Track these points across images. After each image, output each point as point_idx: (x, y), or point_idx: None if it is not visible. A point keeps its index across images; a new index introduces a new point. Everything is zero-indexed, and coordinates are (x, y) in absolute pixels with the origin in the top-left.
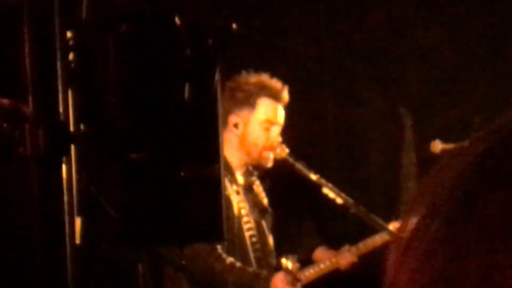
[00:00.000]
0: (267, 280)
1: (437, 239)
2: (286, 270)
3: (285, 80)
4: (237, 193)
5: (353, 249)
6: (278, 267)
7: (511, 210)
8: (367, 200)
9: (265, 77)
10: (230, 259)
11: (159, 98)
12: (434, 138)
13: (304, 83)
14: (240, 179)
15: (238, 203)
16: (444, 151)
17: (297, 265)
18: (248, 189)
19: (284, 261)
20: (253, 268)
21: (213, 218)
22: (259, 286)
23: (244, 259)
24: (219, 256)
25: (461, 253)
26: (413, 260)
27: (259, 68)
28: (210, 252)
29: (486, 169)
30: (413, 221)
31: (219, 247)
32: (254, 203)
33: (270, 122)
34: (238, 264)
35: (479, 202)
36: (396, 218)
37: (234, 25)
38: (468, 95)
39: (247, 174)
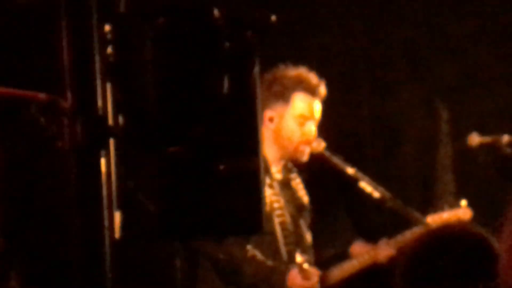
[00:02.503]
0: (283, 274)
1: None
2: (298, 266)
3: (319, 74)
4: (270, 186)
5: (391, 242)
6: (316, 262)
7: None
8: (403, 193)
9: (302, 71)
10: (252, 252)
11: (198, 91)
12: (470, 130)
13: (339, 76)
14: (277, 174)
15: (270, 196)
16: (481, 145)
17: (304, 257)
18: (285, 184)
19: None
20: (272, 262)
21: (252, 211)
22: (276, 280)
23: (274, 252)
24: (243, 247)
25: None
26: None
27: (293, 59)
28: (235, 242)
29: None
30: None
31: (245, 239)
32: (291, 199)
33: (305, 117)
34: (259, 257)
35: None
36: (432, 211)
37: (273, 17)
38: (504, 86)
39: (286, 170)
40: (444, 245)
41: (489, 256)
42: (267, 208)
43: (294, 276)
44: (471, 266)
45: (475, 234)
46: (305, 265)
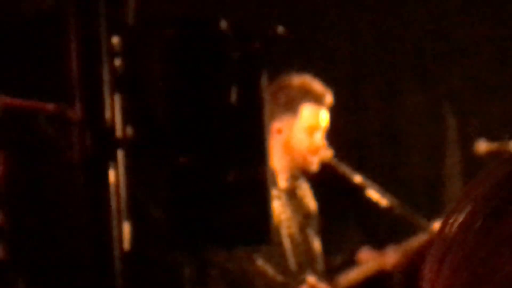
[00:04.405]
0: None
1: (472, 245)
2: (309, 284)
3: (325, 80)
4: (278, 198)
5: (398, 249)
6: (327, 270)
7: None
8: (410, 199)
9: (307, 80)
10: (263, 266)
11: (206, 101)
12: (478, 136)
13: (346, 83)
14: (283, 183)
15: (278, 208)
16: (489, 152)
17: (315, 277)
18: (292, 193)
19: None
20: (283, 277)
21: (260, 220)
22: None
23: (283, 265)
24: (253, 261)
25: (492, 254)
26: (453, 262)
27: (300, 67)
28: (245, 256)
29: None
30: (450, 230)
31: (255, 252)
32: (298, 208)
33: (313, 128)
34: (270, 272)
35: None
36: (439, 218)
37: (280, 28)
38: None
39: (292, 178)
40: None
41: None
42: (275, 220)
43: None
44: None
45: None
46: (316, 283)
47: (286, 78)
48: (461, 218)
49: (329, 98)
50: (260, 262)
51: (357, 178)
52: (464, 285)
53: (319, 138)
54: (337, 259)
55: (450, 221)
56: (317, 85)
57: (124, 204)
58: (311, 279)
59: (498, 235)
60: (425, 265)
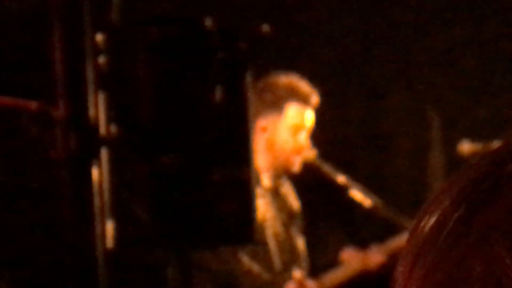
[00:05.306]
0: None
1: (444, 247)
2: (296, 281)
3: (310, 81)
4: (262, 196)
5: (381, 248)
6: (311, 270)
7: (507, 213)
8: (394, 200)
9: (294, 79)
10: (248, 265)
11: (190, 100)
12: (462, 138)
13: (330, 84)
14: (266, 181)
15: (262, 206)
16: (472, 152)
17: (302, 273)
18: (275, 192)
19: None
20: (269, 275)
21: (244, 220)
22: None
23: (267, 263)
24: (239, 260)
25: (466, 256)
26: (422, 270)
27: (285, 67)
28: (231, 255)
29: (487, 185)
30: (422, 232)
31: (240, 251)
32: (282, 206)
33: (298, 127)
34: (256, 270)
35: (480, 211)
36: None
37: (265, 27)
38: (495, 93)
39: (276, 177)
40: None
41: None
42: (260, 219)
43: None
44: None
45: None
46: (303, 279)
47: (273, 76)
48: (434, 218)
49: (315, 98)
50: (245, 260)
51: (341, 178)
52: (437, 286)
53: (304, 138)
54: (321, 259)
55: (423, 221)
56: (303, 85)
57: (107, 202)
58: (298, 274)
59: (471, 236)
60: (398, 265)
